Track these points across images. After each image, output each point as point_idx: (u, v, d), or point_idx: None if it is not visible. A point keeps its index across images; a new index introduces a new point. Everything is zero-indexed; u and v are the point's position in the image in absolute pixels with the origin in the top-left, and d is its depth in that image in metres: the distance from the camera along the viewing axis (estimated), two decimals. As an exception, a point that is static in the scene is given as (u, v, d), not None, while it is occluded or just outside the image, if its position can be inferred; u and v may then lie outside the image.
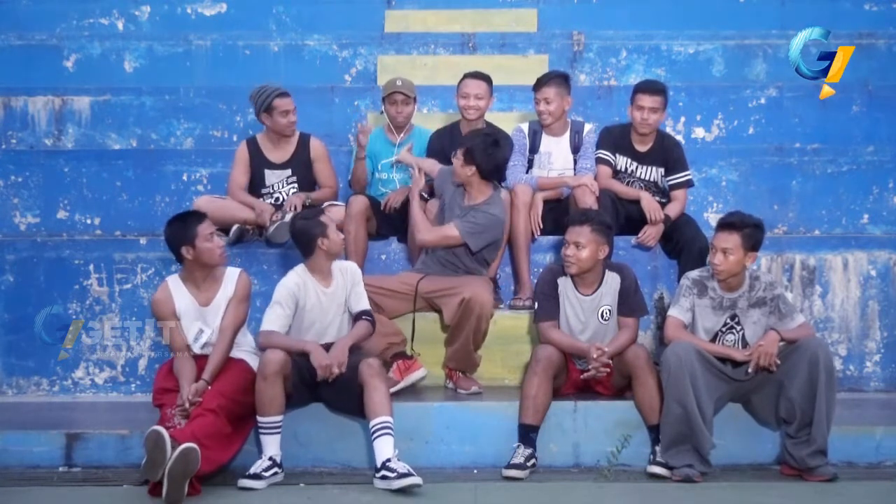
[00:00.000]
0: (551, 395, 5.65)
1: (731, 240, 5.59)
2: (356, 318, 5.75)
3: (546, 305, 5.89)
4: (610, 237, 5.90)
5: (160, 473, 5.02)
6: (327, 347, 5.58)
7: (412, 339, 6.24)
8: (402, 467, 5.26)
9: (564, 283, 5.91)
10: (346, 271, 5.80)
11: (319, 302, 5.70)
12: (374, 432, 5.35)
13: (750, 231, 5.61)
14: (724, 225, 5.66)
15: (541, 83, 6.80)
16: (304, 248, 5.72)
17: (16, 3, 9.55)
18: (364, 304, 5.78)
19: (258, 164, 6.95)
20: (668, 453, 5.50)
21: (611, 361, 5.74)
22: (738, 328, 5.68)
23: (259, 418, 5.45)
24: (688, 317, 5.69)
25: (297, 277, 5.69)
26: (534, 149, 6.87)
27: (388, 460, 5.28)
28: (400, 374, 6.08)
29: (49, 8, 9.46)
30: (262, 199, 6.87)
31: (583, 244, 5.78)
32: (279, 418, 5.45)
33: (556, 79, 6.84)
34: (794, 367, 5.50)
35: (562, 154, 6.88)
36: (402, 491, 5.23)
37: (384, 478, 5.27)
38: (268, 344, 5.51)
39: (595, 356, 5.68)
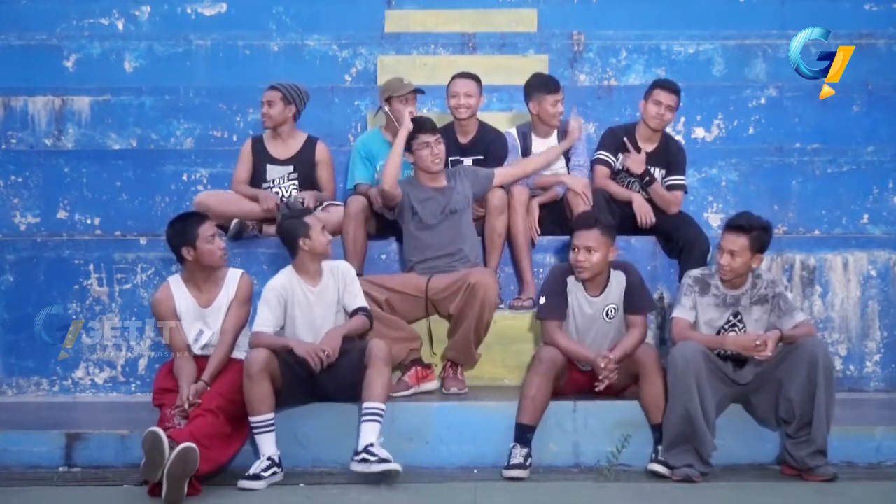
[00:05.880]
0: (550, 397, 5.63)
1: (739, 242, 5.56)
2: (352, 314, 5.74)
3: (553, 301, 5.83)
4: (615, 237, 5.89)
5: (159, 474, 5.01)
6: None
7: (431, 345, 6.25)
8: (383, 453, 5.26)
9: (574, 284, 5.87)
10: (337, 271, 5.78)
11: (307, 301, 5.68)
12: (364, 415, 5.35)
13: (758, 233, 5.58)
14: (733, 227, 5.61)
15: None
16: (288, 247, 5.72)
17: (16, 3, 9.56)
18: (360, 302, 5.77)
19: (260, 159, 6.95)
20: (668, 453, 5.49)
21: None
22: (741, 326, 5.67)
23: (251, 418, 5.42)
24: (692, 315, 5.67)
25: (284, 278, 5.69)
26: (526, 150, 6.87)
27: (371, 445, 5.28)
28: (417, 380, 6.09)
29: (49, 8, 9.47)
30: (262, 194, 6.87)
31: (594, 248, 5.71)
32: (270, 416, 5.43)
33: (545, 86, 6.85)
34: (793, 366, 5.49)
35: (553, 153, 6.90)
36: (383, 478, 5.23)
37: (364, 461, 5.27)
38: (255, 344, 5.52)
39: (602, 365, 5.64)
